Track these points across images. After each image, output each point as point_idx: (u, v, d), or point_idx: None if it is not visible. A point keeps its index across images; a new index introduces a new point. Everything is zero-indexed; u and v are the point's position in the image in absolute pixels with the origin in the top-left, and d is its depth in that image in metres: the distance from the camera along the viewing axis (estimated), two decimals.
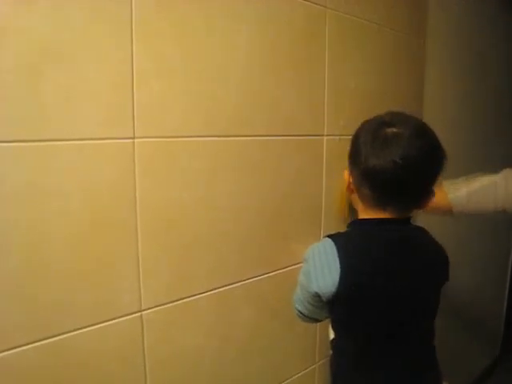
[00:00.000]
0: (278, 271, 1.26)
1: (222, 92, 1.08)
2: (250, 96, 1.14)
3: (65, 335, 0.86)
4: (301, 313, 1.04)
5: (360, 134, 0.95)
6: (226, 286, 1.14)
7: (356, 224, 0.99)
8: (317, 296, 0.94)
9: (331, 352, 1.06)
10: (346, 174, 0.99)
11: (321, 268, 0.90)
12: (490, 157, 2.30)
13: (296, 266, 1.28)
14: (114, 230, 0.92)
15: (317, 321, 1.07)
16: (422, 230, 1.03)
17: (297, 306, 1.05)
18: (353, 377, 0.99)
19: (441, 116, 1.87)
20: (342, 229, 1.06)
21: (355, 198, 1.00)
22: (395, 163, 0.84)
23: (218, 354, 1.16)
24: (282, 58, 1.20)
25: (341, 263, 0.88)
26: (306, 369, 1.39)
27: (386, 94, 1.57)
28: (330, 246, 0.91)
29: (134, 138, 0.93)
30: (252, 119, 1.15)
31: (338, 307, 0.94)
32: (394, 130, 0.88)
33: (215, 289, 1.11)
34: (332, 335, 1.04)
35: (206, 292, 1.10)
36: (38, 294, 0.83)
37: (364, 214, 0.97)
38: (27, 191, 0.80)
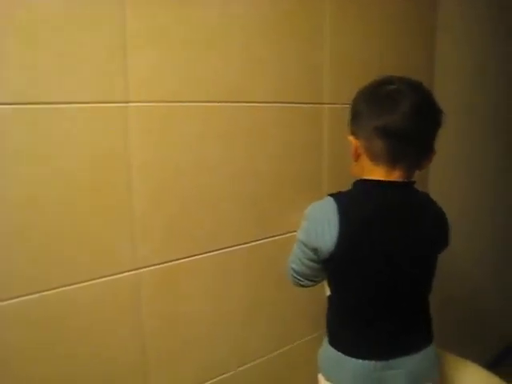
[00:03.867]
0: (282, 236, 1.28)
1: (220, 59, 1.10)
2: (248, 63, 1.15)
3: (65, 288, 0.91)
4: (296, 272, 1.04)
5: (360, 97, 0.99)
6: (225, 248, 1.17)
7: (359, 183, 0.98)
8: (315, 253, 0.95)
9: (327, 308, 1.07)
10: (352, 138, 0.99)
11: (321, 224, 0.93)
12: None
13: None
14: (109, 189, 0.96)
15: (311, 282, 1.06)
16: (425, 195, 1.05)
17: (293, 265, 1.04)
18: (346, 333, 1.01)
19: (453, 85, 1.83)
20: None
21: (357, 164, 1.00)
22: (405, 114, 0.90)
23: (215, 317, 1.18)
24: (281, 25, 1.21)
25: (340, 220, 0.91)
26: (312, 334, 1.41)
27: (391, 61, 1.54)
28: (329, 203, 0.94)
29: (127, 102, 0.96)
30: (249, 86, 1.16)
31: (334, 263, 0.95)
32: (394, 86, 0.94)
33: (214, 250, 1.15)
34: (328, 292, 1.05)
35: (205, 253, 1.13)
36: (38, 249, 0.88)
37: (369, 173, 0.97)
38: (27, 150, 0.85)
